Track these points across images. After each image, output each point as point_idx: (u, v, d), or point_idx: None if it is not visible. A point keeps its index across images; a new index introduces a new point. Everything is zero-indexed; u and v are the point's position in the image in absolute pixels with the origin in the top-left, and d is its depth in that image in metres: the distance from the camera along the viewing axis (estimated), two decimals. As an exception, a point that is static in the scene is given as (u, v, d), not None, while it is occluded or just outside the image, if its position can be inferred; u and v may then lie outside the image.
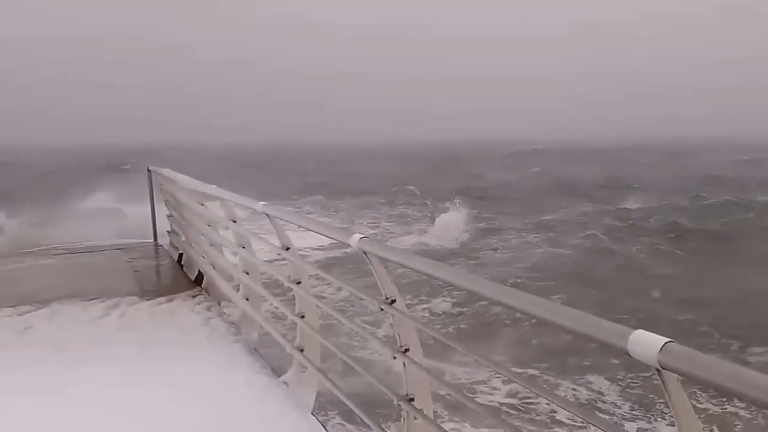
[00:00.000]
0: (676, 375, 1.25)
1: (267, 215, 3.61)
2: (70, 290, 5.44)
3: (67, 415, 3.15)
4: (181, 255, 7.14)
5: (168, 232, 7.67)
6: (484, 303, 10.72)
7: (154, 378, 3.65)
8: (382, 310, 2.53)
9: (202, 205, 5.74)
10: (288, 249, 3.65)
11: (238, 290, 4.84)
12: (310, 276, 3.73)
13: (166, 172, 6.78)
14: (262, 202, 3.64)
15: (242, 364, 3.97)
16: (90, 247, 7.98)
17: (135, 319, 4.67)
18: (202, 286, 5.79)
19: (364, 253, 2.49)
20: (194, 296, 5.36)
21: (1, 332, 4.31)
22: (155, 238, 7.91)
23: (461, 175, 39.28)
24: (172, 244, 7.58)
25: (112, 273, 6.45)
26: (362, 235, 2.48)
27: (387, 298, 2.55)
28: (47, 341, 4.16)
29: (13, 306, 4.86)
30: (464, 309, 10.58)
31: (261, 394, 3.57)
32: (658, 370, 1.26)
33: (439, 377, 2.41)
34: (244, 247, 4.64)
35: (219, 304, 5.31)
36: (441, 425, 2.49)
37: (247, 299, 4.72)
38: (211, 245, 5.67)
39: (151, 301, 5.11)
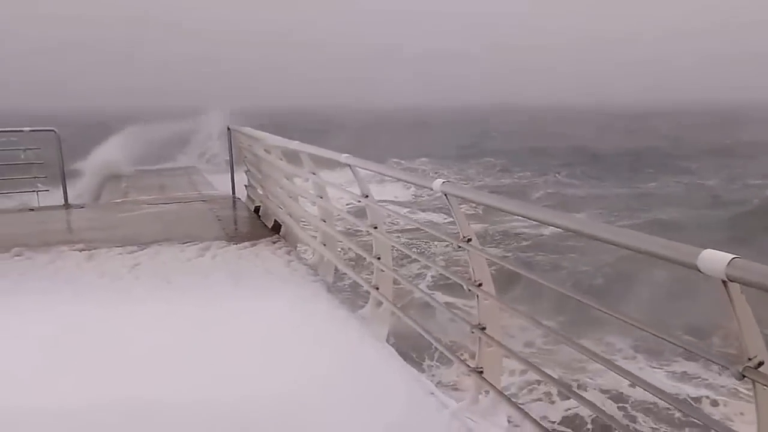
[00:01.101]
0: (740, 285, 1.39)
1: (349, 166, 3.86)
2: (166, 235, 5.91)
3: (177, 334, 3.55)
4: (257, 207, 7.56)
5: (245, 186, 8.10)
6: (532, 255, 10.91)
7: (247, 308, 4.02)
8: (459, 248, 2.75)
9: (281, 159, 6.08)
10: (367, 197, 3.91)
11: (315, 237, 5.17)
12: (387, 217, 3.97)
13: (248, 130, 7.14)
14: (345, 154, 3.88)
15: (322, 300, 4.30)
16: (174, 198, 8.52)
17: (226, 259, 5.08)
18: (280, 233, 6.17)
19: (445, 195, 2.69)
20: (274, 242, 5.73)
21: (117, 267, 4.80)
22: (233, 192, 8.36)
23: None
24: (249, 197, 8.01)
25: (199, 221, 6.92)
26: (444, 180, 2.68)
27: (464, 237, 2.76)
28: (155, 274, 4.62)
29: (122, 246, 5.36)
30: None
31: (341, 325, 3.90)
32: (724, 282, 1.40)
33: (511, 307, 2.62)
34: (322, 197, 4.95)
35: (295, 249, 5.67)
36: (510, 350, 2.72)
37: (324, 244, 5.05)
38: (290, 196, 6.01)
39: (238, 245, 5.50)
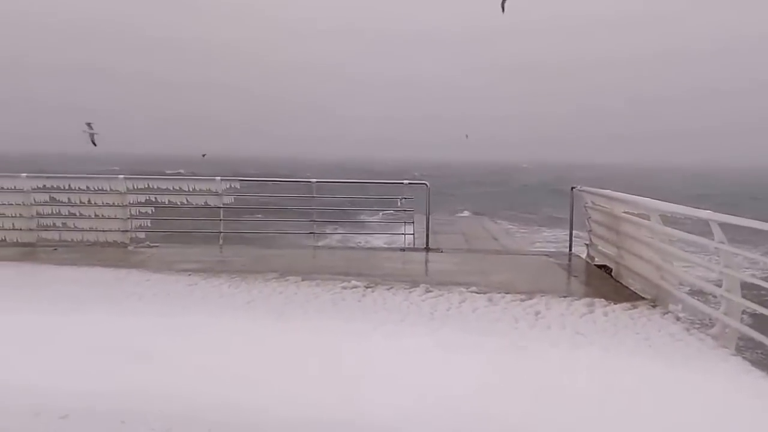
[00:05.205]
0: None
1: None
2: (538, 286, 6.32)
3: (619, 391, 3.77)
4: (603, 266, 7.66)
5: (587, 244, 8.29)
6: None
7: (666, 377, 4.05)
8: None
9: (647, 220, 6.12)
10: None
11: (717, 306, 5.04)
12: None
13: (603, 191, 7.38)
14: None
15: (755, 377, 4.09)
16: (515, 251, 9.16)
17: (620, 319, 5.18)
18: (651, 297, 6.12)
19: None
20: (653, 306, 5.69)
21: (522, 313, 5.29)
22: (570, 249, 8.62)
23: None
24: (589, 254, 8.17)
25: (555, 275, 7.27)
26: None
27: None
28: (563, 326, 4.92)
29: (509, 293, 5.92)
30: None
31: None
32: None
33: None
34: (729, 267, 4.81)
35: (682, 315, 5.54)
36: None
37: (726, 314, 4.88)
38: (667, 260, 5.97)
39: (620, 305, 5.59)
